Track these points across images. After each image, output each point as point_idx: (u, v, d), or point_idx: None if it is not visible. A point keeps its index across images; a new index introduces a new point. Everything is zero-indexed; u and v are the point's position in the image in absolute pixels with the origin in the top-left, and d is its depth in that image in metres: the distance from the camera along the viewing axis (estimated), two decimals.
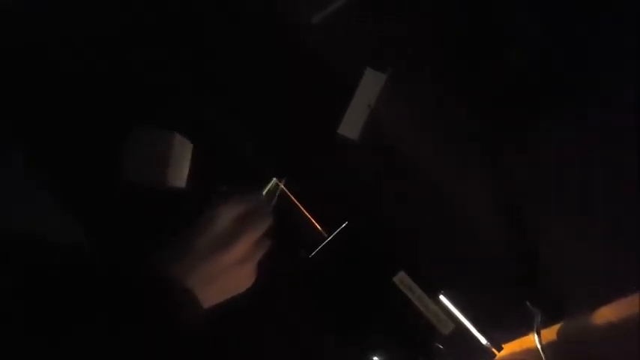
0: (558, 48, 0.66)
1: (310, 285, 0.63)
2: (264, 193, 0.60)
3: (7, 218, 0.60)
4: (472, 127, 0.66)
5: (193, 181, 0.64)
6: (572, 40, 0.66)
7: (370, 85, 0.65)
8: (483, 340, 0.60)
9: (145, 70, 0.69)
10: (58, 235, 0.61)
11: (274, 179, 0.60)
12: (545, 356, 0.59)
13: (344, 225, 0.63)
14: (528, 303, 0.61)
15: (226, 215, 0.51)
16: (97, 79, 0.68)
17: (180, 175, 0.64)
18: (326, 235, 0.62)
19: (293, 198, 0.62)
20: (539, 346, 0.60)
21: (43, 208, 0.66)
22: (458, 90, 0.67)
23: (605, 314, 0.61)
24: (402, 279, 0.60)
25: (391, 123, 0.66)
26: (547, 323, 0.61)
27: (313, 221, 0.62)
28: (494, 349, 0.60)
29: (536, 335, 0.60)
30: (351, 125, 0.65)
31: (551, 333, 0.63)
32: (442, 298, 0.60)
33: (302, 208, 0.62)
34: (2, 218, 0.60)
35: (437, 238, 0.64)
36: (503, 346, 0.60)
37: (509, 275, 0.63)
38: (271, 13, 0.69)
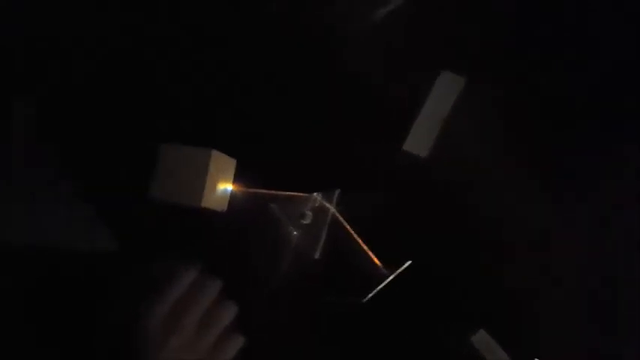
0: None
1: (362, 338, 0.54)
2: (308, 212, 0.52)
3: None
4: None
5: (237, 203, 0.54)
6: None
7: (445, 91, 0.55)
8: None
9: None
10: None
11: (315, 194, 0.52)
12: None
13: (407, 264, 0.52)
14: None
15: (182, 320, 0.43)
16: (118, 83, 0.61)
17: (219, 197, 0.53)
18: (386, 273, 0.52)
19: (346, 224, 0.52)
20: None
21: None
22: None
23: None
24: (482, 339, 0.50)
25: (465, 136, 0.57)
26: None
27: (371, 255, 0.52)
28: None
29: None
30: (420, 140, 0.56)
31: None
32: None
33: (357, 238, 0.52)
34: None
35: (526, 288, 0.54)
36: None
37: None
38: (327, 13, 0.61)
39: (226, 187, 0.53)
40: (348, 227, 0.52)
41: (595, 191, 0.58)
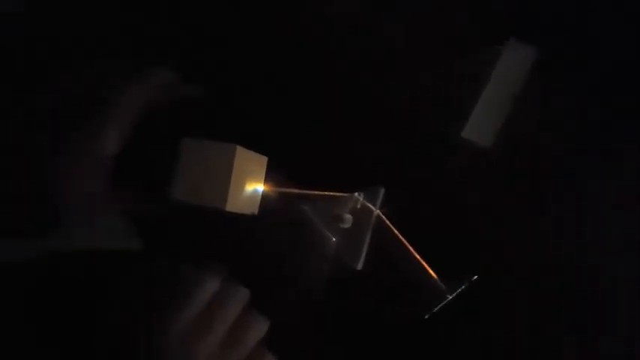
0: None
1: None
2: (348, 215, 0.46)
3: None
4: None
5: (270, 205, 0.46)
6: None
7: (513, 64, 0.47)
8: None
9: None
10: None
11: (357, 194, 0.44)
12: None
13: (474, 278, 0.45)
14: None
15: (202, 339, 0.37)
16: None
17: (248, 198, 0.45)
18: (444, 289, 0.44)
19: (394, 229, 0.45)
20: None
21: None
22: None
23: None
24: None
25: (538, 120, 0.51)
26: None
27: (426, 267, 0.44)
28: None
29: None
30: (482, 126, 0.48)
31: None
32: None
33: (409, 246, 0.44)
34: None
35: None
36: None
37: None
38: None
39: (256, 187, 0.44)
40: (397, 233, 0.44)
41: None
